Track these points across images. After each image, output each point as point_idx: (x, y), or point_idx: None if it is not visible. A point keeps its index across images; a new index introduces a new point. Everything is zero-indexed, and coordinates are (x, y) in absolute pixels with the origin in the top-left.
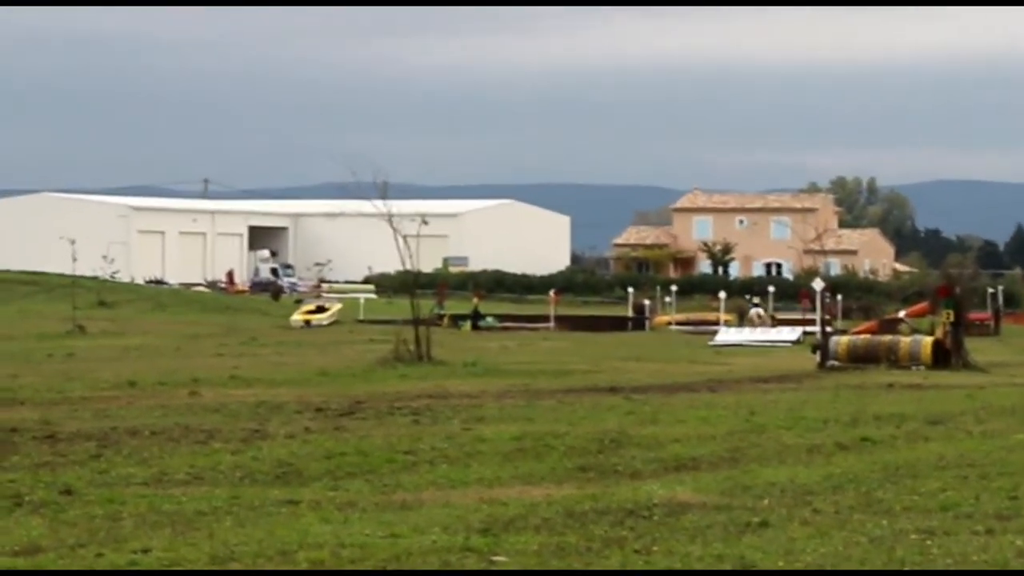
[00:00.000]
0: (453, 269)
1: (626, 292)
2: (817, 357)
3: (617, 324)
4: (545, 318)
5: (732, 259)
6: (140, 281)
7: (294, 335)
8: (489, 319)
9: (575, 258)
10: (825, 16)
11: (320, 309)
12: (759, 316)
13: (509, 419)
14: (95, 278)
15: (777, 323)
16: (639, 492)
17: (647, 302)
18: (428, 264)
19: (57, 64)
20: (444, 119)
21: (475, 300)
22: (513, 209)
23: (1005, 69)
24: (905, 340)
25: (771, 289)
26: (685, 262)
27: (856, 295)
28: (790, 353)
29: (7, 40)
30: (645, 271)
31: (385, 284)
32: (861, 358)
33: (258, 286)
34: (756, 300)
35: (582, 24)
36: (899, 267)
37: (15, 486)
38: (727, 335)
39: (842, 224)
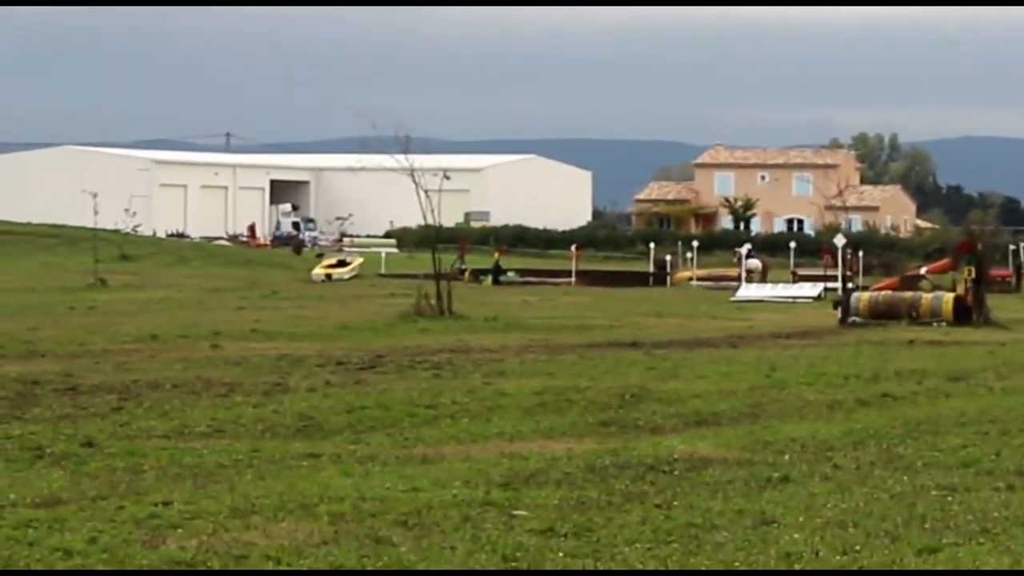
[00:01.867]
0: (475, 224)
1: (647, 247)
2: (838, 313)
3: (638, 279)
4: (566, 273)
5: (754, 215)
6: (162, 234)
7: (315, 289)
8: (510, 274)
9: (597, 213)
10: None
11: (341, 263)
12: (758, 267)
13: (530, 374)
14: (117, 231)
15: (798, 278)
16: (660, 447)
17: (668, 257)
18: (450, 219)
19: (79, 19)
20: (466, 74)
21: (496, 255)
22: (535, 164)
23: None
24: (926, 296)
25: (792, 245)
26: (707, 218)
27: (878, 251)
28: (811, 309)
29: None
30: (666, 227)
31: (406, 239)
32: (882, 314)
33: (279, 240)
34: (748, 246)
35: None
36: (921, 223)
37: (36, 438)
38: (748, 291)
39: (864, 180)
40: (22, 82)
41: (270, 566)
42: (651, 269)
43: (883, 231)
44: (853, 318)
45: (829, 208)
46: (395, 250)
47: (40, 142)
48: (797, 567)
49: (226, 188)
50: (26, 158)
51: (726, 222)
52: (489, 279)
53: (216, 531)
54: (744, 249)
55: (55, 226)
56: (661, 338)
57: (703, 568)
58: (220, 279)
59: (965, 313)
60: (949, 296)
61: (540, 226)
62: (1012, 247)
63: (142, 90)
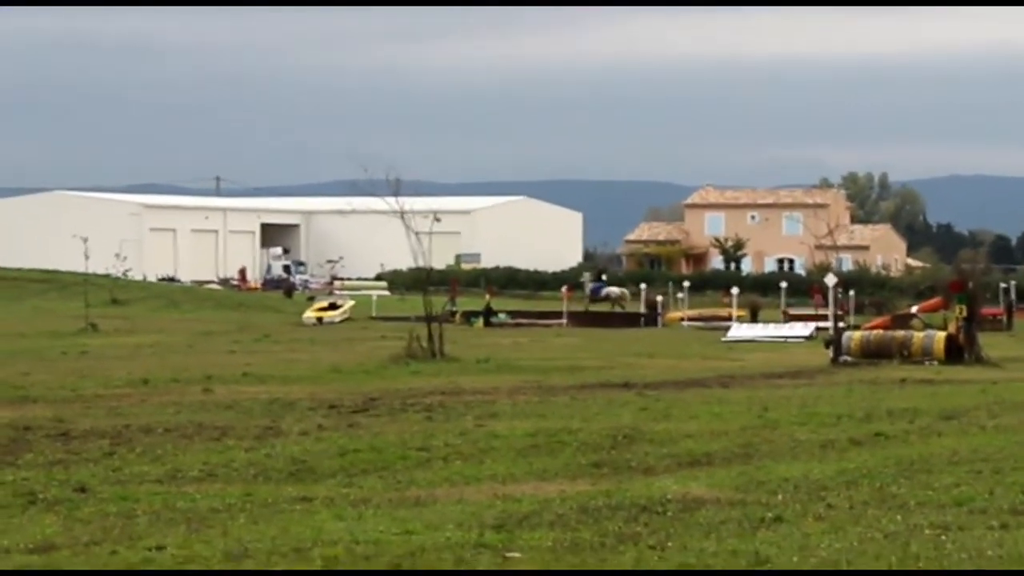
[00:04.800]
0: (465, 266)
1: (638, 288)
2: (830, 352)
3: (629, 320)
4: (558, 314)
5: (744, 255)
6: (152, 279)
7: (307, 332)
8: (501, 315)
9: (587, 255)
10: (837, 12)
11: (332, 306)
12: (620, 293)
13: (522, 415)
14: (108, 276)
15: (789, 318)
16: (653, 488)
17: (659, 298)
18: (440, 261)
19: (70, 64)
20: (456, 117)
21: (487, 296)
22: (525, 206)
23: (1017, 64)
24: (918, 335)
25: (783, 284)
26: (697, 258)
27: (868, 290)
28: (803, 349)
29: (21, 42)
30: (657, 267)
31: (397, 281)
32: (874, 353)
33: (270, 283)
34: (604, 277)
35: (594, 21)
36: (911, 262)
37: (29, 484)
38: (739, 331)
39: (854, 219)
40: (11, 127)
41: None
42: (642, 310)
43: (874, 270)
44: (845, 357)
45: (819, 247)
46: (386, 292)
47: (30, 187)
48: None
49: (216, 232)
50: (16, 203)
51: (717, 262)
52: (480, 321)
53: None
54: (587, 277)
55: (46, 271)
56: (653, 379)
57: None
58: (211, 323)
59: (957, 352)
60: (940, 335)
61: (531, 267)
62: (1003, 285)
63: (132, 135)
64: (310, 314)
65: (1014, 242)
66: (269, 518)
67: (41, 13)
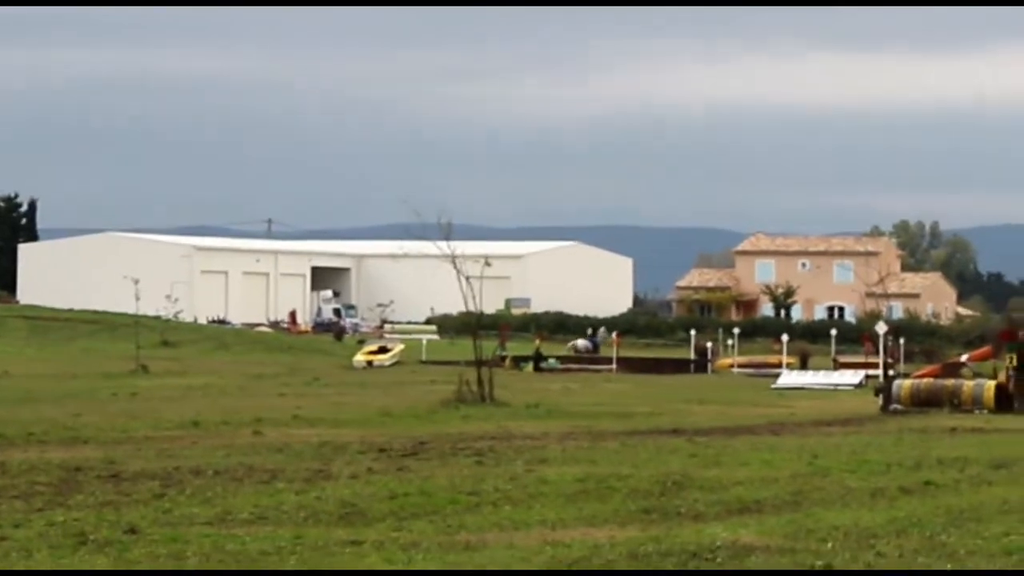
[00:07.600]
0: (515, 311)
1: (688, 335)
2: (880, 400)
3: (679, 366)
4: (607, 360)
5: (794, 302)
6: (203, 321)
7: (357, 376)
8: (551, 361)
9: (637, 300)
10: (889, 59)
11: (383, 350)
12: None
13: (572, 461)
14: (158, 318)
15: (839, 366)
16: (702, 534)
17: (709, 345)
18: (491, 305)
19: (121, 106)
20: (508, 161)
21: (537, 342)
22: (576, 251)
23: None
24: (968, 384)
25: (833, 332)
26: (747, 305)
27: (919, 339)
28: (853, 396)
29: (72, 81)
30: (707, 314)
31: (447, 325)
32: (924, 402)
33: (321, 326)
34: (590, 330)
35: (645, 67)
36: (962, 311)
37: (79, 524)
38: (789, 378)
39: (905, 268)
40: (63, 168)
41: None
42: (692, 356)
43: (924, 318)
44: (895, 405)
45: (870, 295)
46: (436, 337)
47: (82, 228)
48: None
49: (267, 274)
50: (68, 244)
51: (767, 309)
52: (530, 366)
53: None
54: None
55: (97, 312)
56: (703, 425)
57: None
58: (261, 365)
59: (1007, 401)
60: (991, 384)
61: (581, 313)
62: None
63: (183, 176)
64: (360, 357)
65: None
66: (319, 561)
67: (93, 50)
